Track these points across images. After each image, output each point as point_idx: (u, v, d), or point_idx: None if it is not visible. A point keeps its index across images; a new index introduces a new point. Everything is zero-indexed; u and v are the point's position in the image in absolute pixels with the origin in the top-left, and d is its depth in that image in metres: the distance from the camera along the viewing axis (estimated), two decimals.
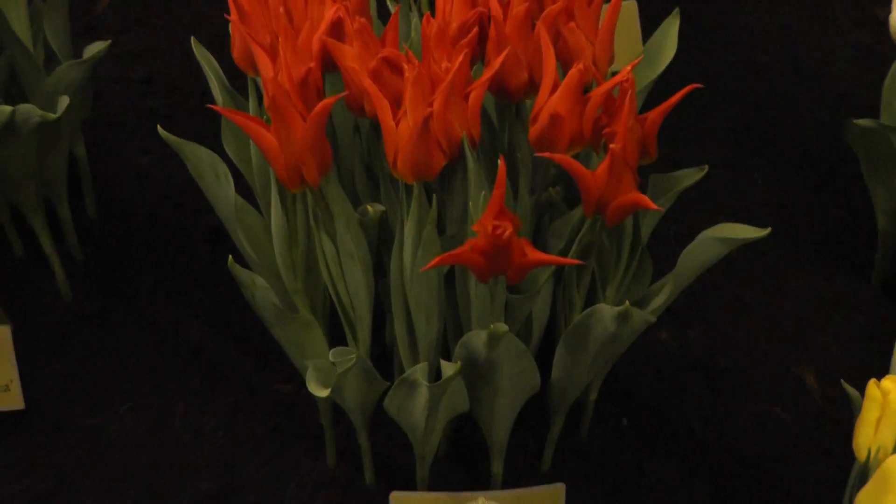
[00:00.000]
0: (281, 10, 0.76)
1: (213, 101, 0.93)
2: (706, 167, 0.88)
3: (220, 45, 1.48)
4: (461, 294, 0.84)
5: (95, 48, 1.02)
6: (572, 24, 0.83)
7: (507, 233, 0.68)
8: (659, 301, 0.87)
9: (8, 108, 0.91)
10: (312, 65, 0.75)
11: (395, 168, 0.76)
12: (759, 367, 1.20)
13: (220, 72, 0.94)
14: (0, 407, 1.02)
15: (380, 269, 0.92)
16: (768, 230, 0.83)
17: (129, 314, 1.17)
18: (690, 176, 0.88)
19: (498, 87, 0.83)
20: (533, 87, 0.83)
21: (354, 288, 0.84)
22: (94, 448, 1.06)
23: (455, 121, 0.78)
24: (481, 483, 1.00)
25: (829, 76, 1.53)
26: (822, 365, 1.20)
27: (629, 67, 0.75)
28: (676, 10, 0.96)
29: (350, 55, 0.78)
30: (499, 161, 0.74)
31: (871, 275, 1.26)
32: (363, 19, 0.78)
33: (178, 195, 1.31)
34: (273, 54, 0.80)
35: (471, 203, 0.77)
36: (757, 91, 1.51)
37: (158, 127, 0.85)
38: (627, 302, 0.76)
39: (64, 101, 0.94)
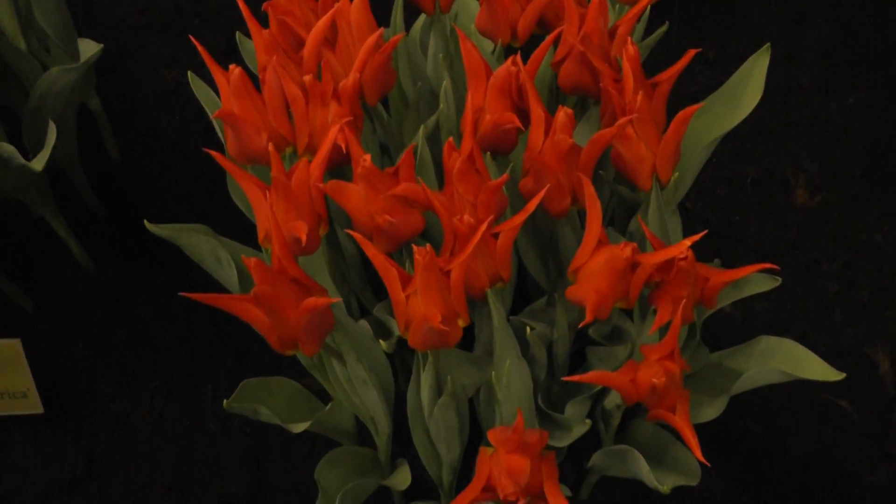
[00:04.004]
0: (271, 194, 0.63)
1: None
2: (779, 280, 0.75)
3: None
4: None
5: (90, 49, 0.89)
6: (630, 131, 0.69)
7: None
8: (709, 415, 0.78)
9: None
10: (303, 235, 0.63)
11: (406, 336, 0.66)
12: (829, 343, 1.10)
13: None
14: (21, 411, 0.99)
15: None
16: (843, 375, 0.72)
17: (153, 278, 1.10)
18: (758, 284, 0.75)
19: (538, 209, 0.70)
20: (576, 202, 0.70)
21: (372, 405, 0.76)
22: (121, 434, 1.03)
23: (481, 268, 0.67)
24: None
25: None
26: None
27: (688, 242, 0.62)
28: (767, 45, 0.79)
29: (355, 197, 0.66)
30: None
31: None
32: (368, 160, 0.64)
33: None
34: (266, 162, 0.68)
35: (493, 375, 0.67)
36: None
37: (145, 222, 0.74)
38: (666, 486, 0.68)
39: (51, 142, 0.82)
